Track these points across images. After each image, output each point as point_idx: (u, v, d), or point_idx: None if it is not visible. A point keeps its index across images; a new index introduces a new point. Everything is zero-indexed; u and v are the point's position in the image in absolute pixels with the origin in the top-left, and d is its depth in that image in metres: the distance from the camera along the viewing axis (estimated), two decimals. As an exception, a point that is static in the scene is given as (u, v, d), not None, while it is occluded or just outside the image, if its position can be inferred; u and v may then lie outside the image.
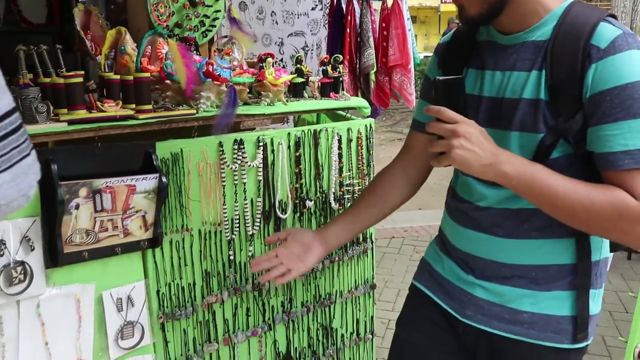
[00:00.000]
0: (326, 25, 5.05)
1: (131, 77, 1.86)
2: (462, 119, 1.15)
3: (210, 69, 1.92)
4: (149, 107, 1.83)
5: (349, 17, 4.18)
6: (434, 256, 1.63)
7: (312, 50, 5.44)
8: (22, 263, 1.50)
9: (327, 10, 4.72)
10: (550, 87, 1.20)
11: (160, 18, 2.14)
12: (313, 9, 5.29)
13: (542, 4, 1.25)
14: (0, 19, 2.88)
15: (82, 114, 1.70)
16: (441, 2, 29.23)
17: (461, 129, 1.14)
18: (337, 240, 1.64)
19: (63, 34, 3.12)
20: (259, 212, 2.06)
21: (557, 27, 1.22)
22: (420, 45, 30.19)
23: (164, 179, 1.73)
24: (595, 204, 1.15)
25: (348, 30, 4.16)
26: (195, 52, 2.36)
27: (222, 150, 1.92)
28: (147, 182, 1.70)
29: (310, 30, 5.33)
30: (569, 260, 1.34)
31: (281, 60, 5.41)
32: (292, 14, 5.39)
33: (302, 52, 5.45)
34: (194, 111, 1.88)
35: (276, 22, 5.37)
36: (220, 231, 1.97)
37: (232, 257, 2.01)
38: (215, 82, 1.94)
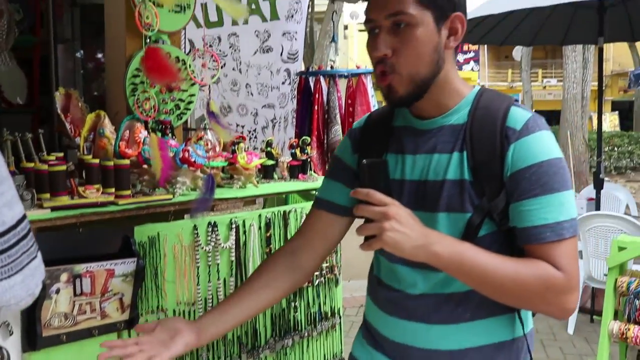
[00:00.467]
0: (294, 100, 5.25)
1: (111, 163, 1.96)
2: (391, 201, 1.14)
3: (187, 155, 2.04)
4: (128, 192, 1.93)
5: (317, 95, 4.38)
6: (362, 351, 1.52)
7: (279, 122, 5.63)
8: (0, 348, 1.55)
9: (296, 86, 4.94)
10: (473, 167, 1.24)
11: (138, 103, 2.26)
12: (283, 83, 5.52)
13: (457, 90, 1.31)
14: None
15: (64, 200, 1.79)
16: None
17: (391, 211, 1.13)
18: (213, 331, 1.41)
19: (42, 114, 3.23)
20: (232, 290, 2.14)
21: (472, 112, 1.29)
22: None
23: (141, 263, 1.81)
24: (523, 278, 1.18)
25: (316, 107, 4.35)
26: (171, 134, 2.48)
27: (197, 233, 2.02)
28: (125, 266, 1.78)
29: (279, 104, 5.54)
30: (505, 337, 1.34)
31: (254, 130, 5.59)
32: (265, 86, 5.61)
33: (270, 124, 5.64)
34: (171, 196, 1.99)
35: (251, 94, 5.58)
36: (195, 311, 2.04)
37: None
38: (191, 168, 2.05)
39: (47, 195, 1.81)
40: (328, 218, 1.49)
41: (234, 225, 2.11)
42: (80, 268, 1.68)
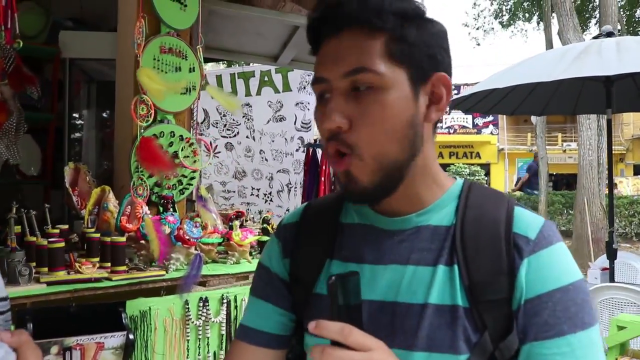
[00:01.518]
0: (307, 167, 5.46)
1: (109, 239, 2.07)
2: (376, 344, 0.77)
3: (181, 233, 2.15)
4: (124, 268, 2.04)
5: (323, 167, 4.52)
6: None
7: (295, 187, 5.79)
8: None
9: (304, 159, 5.13)
10: (469, 289, 0.87)
11: (133, 188, 2.39)
12: (297, 150, 5.72)
13: (437, 180, 0.96)
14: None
15: (61, 275, 1.90)
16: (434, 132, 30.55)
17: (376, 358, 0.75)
18: None
19: (54, 187, 3.40)
20: (217, 367, 2.20)
21: (462, 211, 0.93)
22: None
23: (131, 336, 1.89)
24: None
25: (322, 178, 4.49)
26: (172, 209, 2.61)
27: (188, 307, 2.10)
28: (115, 340, 1.86)
29: (294, 169, 5.72)
30: None
31: (270, 193, 5.75)
32: (280, 152, 5.82)
33: (285, 188, 5.81)
34: (164, 272, 2.09)
35: (266, 159, 5.79)
36: (182, 384, 2.10)
37: (191, 409, 2.12)
38: (185, 245, 2.16)
39: (45, 270, 1.93)
40: (255, 354, 1.04)
41: (225, 300, 2.19)
42: (71, 341, 1.76)
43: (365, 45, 0.85)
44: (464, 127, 30.06)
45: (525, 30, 24.10)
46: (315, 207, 1.08)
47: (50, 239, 1.96)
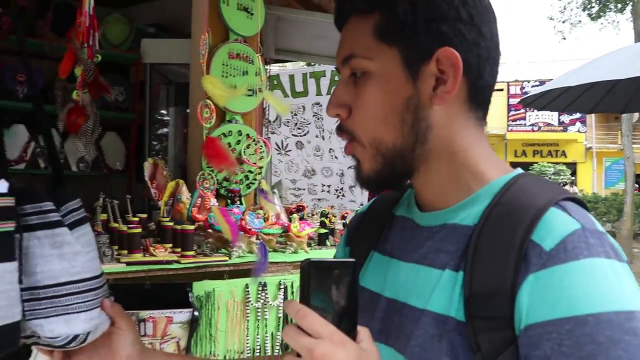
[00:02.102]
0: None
1: (180, 227, 2.33)
2: (329, 331, 0.67)
3: (243, 223, 2.38)
4: (192, 252, 2.28)
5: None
6: None
7: None
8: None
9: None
10: (467, 300, 0.75)
11: (199, 181, 2.64)
12: None
13: (475, 173, 0.83)
14: (89, 165, 3.53)
15: (137, 257, 2.17)
16: (507, 131, 29.73)
17: (321, 349, 0.66)
18: None
19: (137, 179, 3.76)
20: (278, 344, 2.41)
21: (490, 209, 0.79)
22: (486, 172, 30.49)
23: (196, 313, 2.13)
24: None
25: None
26: (238, 202, 2.85)
27: (248, 291, 2.32)
28: (182, 315, 2.11)
29: None
30: None
31: (341, 189, 5.91)
32: None
33: (356, 183, 5.96)
34: (227, 258, 2.32)
35: (335, 157, 5.95)
36: (243, 358, 2.32)
37: (250, 383, 2.34)
38: (247, 235, 2.38)
39: (125, 252, 2.20)
40: None
41: (282, 286, 2.40)
42: (145, 314, 2.02)
43: (357, 30, 0.83)
44: (549, 124, 29.04)
45: (617, 22, 22.94)
46: (381, 199, 1.04)
47: (129, 226, 2.23)
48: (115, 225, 2.32)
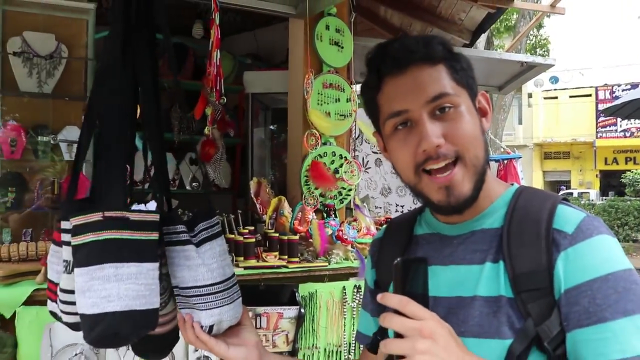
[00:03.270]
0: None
1: (286, 237, 2.72)
2: (430, 314, 0.85)
3: (340, 234, 2.74)
4: (297, 259, 2.67)
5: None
6: None
7: None
8: (207, 357, 2.34)
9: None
10: (512, 280, 0.98)
11: (304, 198, 3.03)
12: None
13: (491, 188, 1.08)
14: (200, 185, 4.03)
15: (252, 262, 2.58)
16: (596, 137, 28.69)
17: (428, 327, 0.83)
18: None
19: (240, 195, 4.23)
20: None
21: (510, 213, 1.04)
22: (575, 180, 29.59)
23: (302, 310, 2.51)
24: None
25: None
26: (333, 215, 3.22)
27: (345, 292, 2.68)
28: (291, 312, 2.49)
29: None
30: None
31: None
32: None
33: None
34: (327, 264, 2.69)
35: (410, 177, 6.16)
36: (340, 351, 2.68)
37: (348, 373, 2.69)
38: (344, 243, 2.74)
39: (242, 258, 2.62)
40: (367, 355, 1.25)
41: (374, 288, 2.74)
42: (260, 310, 2.42)
43: (434, 75, 1.01)
44: (642, 129, 27.80)
45: None
46: (395, 223, 1.26)
47: (245, 236, 2.64)
48: (232, 236, 2.74)
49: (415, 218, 1.20)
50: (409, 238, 1.19)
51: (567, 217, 0.98)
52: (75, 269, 1.09)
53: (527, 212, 1.01)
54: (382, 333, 0.95)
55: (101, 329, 1.07)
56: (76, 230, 1.09)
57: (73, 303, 1.13)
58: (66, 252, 1.17)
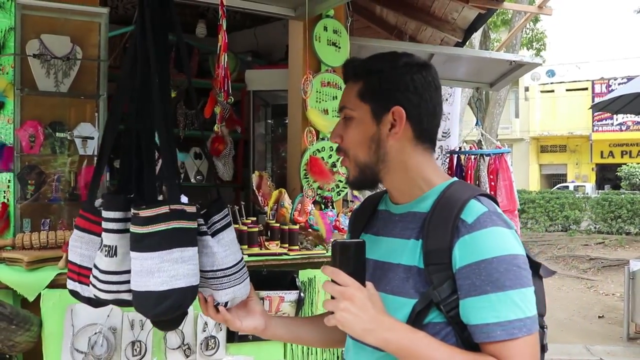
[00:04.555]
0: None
1: (287, 227, 2.93)
2: (352, 282, 1.14)
3: (338, 224, 2.95)
4: (297, 247, 2.88)
5: (469, 172, 5.05)
6: None
7: None
8: (215, 337, 2.55)
9: (447, 161, 5.63)
10: (425, 255, 1.24)
11: (304, 191, 3.23)
12: (437, 158, 6.25)
13: (425, 180, 1.32)
14: (204, 178, 4.24)
15: (256, 250, 2.79)
16: (592, 131, 28.86)
17: (348, 292, 1.13)
18: (278, 332, 1.54)
19: (243, 188, 4.44)
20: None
21: (437, 201, 1.27)
22: (571, 174, 29.78)
23: (302, 295, 2.72)
24: None
25: (468, 181, 4.95)
26: (331, 206, 3.43)
27: (341, 277, 2.88)
28: (291, 295, 2.70)
29: None
30: None
31: None
32: None
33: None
34: (325, 251, 2.90)
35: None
36: (337, 333, 2.89)
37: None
38: (341, 233, 2.95)
39: (246, 246, 2.82)
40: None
41: (368, 274, 2.95)
42: (263, 294, 2.63)
43: (349, 91, 1.33)
44: (638, 123, 27.88)
45: None
46: (370, 198, 1.52)
47: (249, 226, 2.85)
48: (237, 225, 2.95)
49: (382, 196, 1.47)
50: (374, 212, 1.46)
51: (472, 210, 1.21)
52: (142, 254, 1.32)
53: (447, 202, 1.24)
54: None
55: (170, 303, 1.32)
56: (146, 221, 1.32)
57: (117, 282, 1.37)
58: (109, 239, 1.38)
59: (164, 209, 1.33)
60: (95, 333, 2.37)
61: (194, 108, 4.33)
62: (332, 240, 2.89)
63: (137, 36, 1.52)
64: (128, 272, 1.38)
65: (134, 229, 1.33)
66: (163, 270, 1.32)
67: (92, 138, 3.03)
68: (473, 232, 1.18)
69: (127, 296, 1.40)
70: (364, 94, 1.30)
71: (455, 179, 1.34)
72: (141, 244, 1.32)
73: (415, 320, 1.21)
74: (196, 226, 1.38)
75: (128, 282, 1.38)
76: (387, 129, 1.29)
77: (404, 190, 1.34)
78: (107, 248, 1.37)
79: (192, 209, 1.36)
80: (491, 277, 1.15)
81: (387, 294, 1.26)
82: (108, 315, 2.37)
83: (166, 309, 1.34)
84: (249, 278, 1.51)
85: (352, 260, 1.17)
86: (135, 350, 2.42)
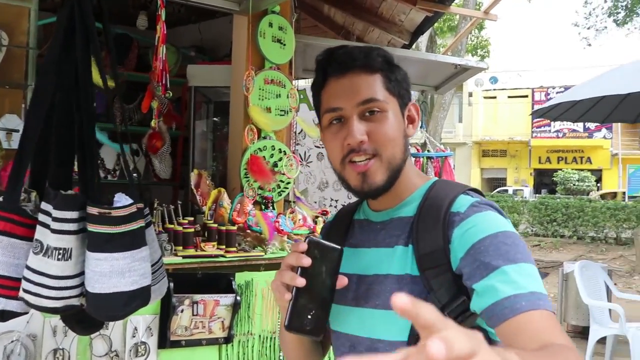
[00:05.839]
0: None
1: (224, 228, 2.82)
2: (279, 275, 1.07)
3: (277, 225, 2.86)
4: (234, 249, 2.78)
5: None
6: None
7: None
8: (145, 343, 2.42)
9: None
10: (418, 260, 1.12)
11: (245, 190, 3.13)
12: None
13: (411, 181, 1.23)
14: (141, 175, 4.06)
15: (191, 251, 2.67)
16: (532, 137, 29.80)
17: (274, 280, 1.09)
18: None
19: (182, 186, 4.29)
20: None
21: (422, 203, 1.18)
22: (511, 178, 30.64)
23: (238, 298, 2.62)
24: None
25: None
26: (271, 207, 3.34)
27: (280, 280, 2.80)
28: (227, 299, 2.60)
29: None
30: None
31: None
32: None
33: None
34: (263, 254, 2.81)
35: (347, 171, 6.29)
36: (275, 337, 2.81)
37: (281, 358, 2.83)
38: (280, 234, 2.87)
39: (180, 248, 2.70)
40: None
41: (308, 277, 2.88)
42: (198, 297, 2.52)
43: (369, 82, 1.17)
44: (574, 130, 28.98)
45: (644, 29, 22.89)
46: (344, 209, 1.42)
47: (184, 226, 2.73)
48: (172, 226, 2.82)
49: (357, 205, 1.36)
50: (350, 222, 1.34)
51: (462, 202, 1.13)
52: (112, 254, 1.31)
53: (433, 202, 1.16)
54: None
55: (140, 301, 1.40)
56: (120, 220, 1.35)
57: (70, 287, 1.33)
58: (64, 241, 1.33)
59: (134, 208, 1.33)
60: (12, 341, 2.21)
61: (130, 103, 4.17)
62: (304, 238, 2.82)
63: (61, 24, 1.43)
64: (80, 275, 1.34)
65: (103, 228, 1.31)
66: (134, 270, 1.32)
67: (18, 131, 2.85)
68: (468, 217, 1.10)
69: (77, 301, 1.37)
70: (391, 87, 1.19)
71: (437, 178, 1.27)
72: (111, 244, 1.30)
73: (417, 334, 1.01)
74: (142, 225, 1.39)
75: (80, 286, 1.34)
76: (406, 125, 1.22)
77: (394, 194, 1.23)
78: (59, 251, 1.30)
79: (141, 207, 1.38)
80: (499, 250, 1.04)
81: (377, 309, 1.16)
82: (27, 322, 2.22)
83: (134, 309, 1.35)
84: (166, 277, 1.59)
85: (325, 266, 1.05)
86: (58, 358, 2.27)
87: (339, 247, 1.07)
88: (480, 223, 1.08)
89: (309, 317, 1.03)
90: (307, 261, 1.03)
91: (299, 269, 1.03)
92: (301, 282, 1.02)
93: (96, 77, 1.58)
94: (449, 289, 1.09)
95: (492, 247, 1.04)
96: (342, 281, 1.08)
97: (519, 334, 0.96)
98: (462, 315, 1.08)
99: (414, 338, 1.09)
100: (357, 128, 1.15)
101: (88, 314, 1.41)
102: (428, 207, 1.16)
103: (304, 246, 1.05)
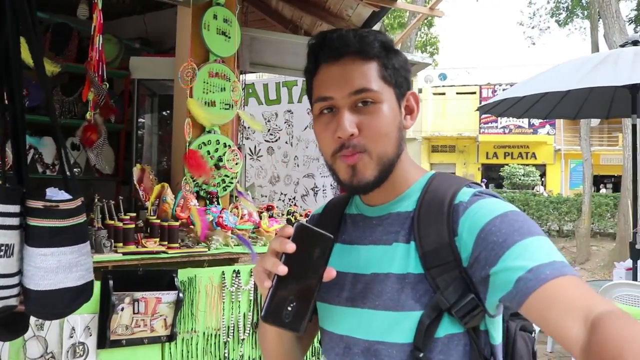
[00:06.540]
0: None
1: (166, 224, 2.76)
2: (262, 261, 0.98)
3: (220, 220, 2.82)
4: (177, 245, 2.72)
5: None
6: None
7: (323, 190, 6.20)
8: (83, 344, 2.34)
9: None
10: (422, 258, 1.05)
11: (182, 186, 3.08)
12: None
13: (409, 175, 1.16)
14: (82, 170, 3.94)
15: (132, 248, 2.60)
16: (479, 133, 30.42)
17: (257, 266, 1.00)
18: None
19: (125, 182, 4.17)
20: (249, 322, 2.85)
21: (421, 198, 1.11)
22: (459, 173, 31.18)
23: (181, 295, 2.57)
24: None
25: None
26: (216, 202, 3.29)
27: (224, 277, 2.76)
28: (169, 296, 2.54)
29: (320, 173, 6.18)
30: None
31: (294, 198, 6.19)
32: (309, 158, 6.22)
33: (311, 192, 6.20)
34: (207, 249, 2.76)
35: (297, 165, 6.24)
36: (219, 335, 2.77)
37: (226, 355, 2.79)
38: (223, 230, 2.82)
39: (121, 244, 2.63)
40: None
41: (253, 274, 2.84)
42: (139, 295, 2.45)
43: (363, 70, 1.08)
44: (519, 126, 29.71)
45: (584, 28, 23.74)
46: (334, 201, 1.31)
47: (124, 222, 2.66)
48: (112, 222, 2.74)
49: (349, 199, 1.27)
50: (341, 216, 1.26)
51: (465, 193, 1.07)
52: (59, 249, 1.26)
53: (435, 196, 1.09)
54: None
55: (86, 296, 1.32)
56: (68, 213, 1.27)
57: (10, 286, 1.29)
58: (6, 237, 1.29)
59: (79, 201, 1.29)
60: (-60, 342, 2.11)
61: (71, 95, 4.03)
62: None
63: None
64: (19, 273, 1.28)
65: (49, 222, 1.25)
66: (81, 264, 1.29)
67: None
68: (472, 204, 1.04)
69: (15, 301, 1.31)
70: (387, 76, 1.10)
71: (435, 171, 1.20)
72: (58, 238, 1.25)
73: (426, 334, 1.03)
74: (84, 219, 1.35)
75: (19, 285, 1.28)
76: (403, 117, 1.13)
77: (390, 188, 1.14)
78: (1, 248, 1.22)
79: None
80: (513, 226, 0.98)
81: (377, 310, 1.08)
82: (-45, 323, 2.11)
83: (80, 304, 1.31)
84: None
85: (314, 253, 0.96)
86: (-12, 360, 2.18)
87: (331, 235, 0.97)
88: (486, 206, 1.03)
89: (289, 308, 0.95)
90: (291, 247, 0.94)
91: (283, 255, 0.95)
92: (283, 269, 0.93)
93: (28, 60, 1.51)
94: (457, 287, 1.03)
95: (504, 225, 0.99)
96: (330, 273, 0.98)
97: (552, 304, 0.88)
98: (469, 314, 1.03)
99: (419, 339, 1.03)
100: (347, 120, 1.06)
101: (16, 316, 1.34)
102: (429, 201, 1.10)
103: (289, 230, 0.97)
